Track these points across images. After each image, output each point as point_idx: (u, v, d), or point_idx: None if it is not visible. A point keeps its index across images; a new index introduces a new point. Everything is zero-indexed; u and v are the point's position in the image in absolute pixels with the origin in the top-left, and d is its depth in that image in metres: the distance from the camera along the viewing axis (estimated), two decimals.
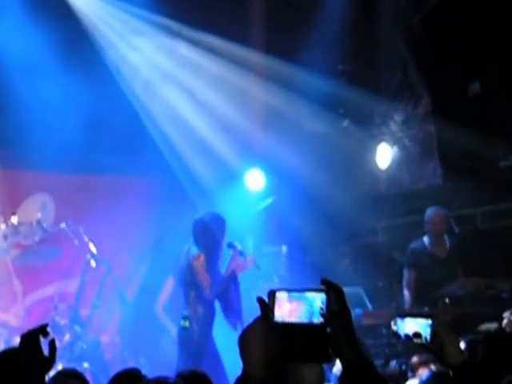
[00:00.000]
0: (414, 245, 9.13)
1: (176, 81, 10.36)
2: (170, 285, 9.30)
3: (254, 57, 9.73)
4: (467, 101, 10.15)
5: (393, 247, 10.93)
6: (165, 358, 9.01)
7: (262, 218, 10.63)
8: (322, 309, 2.48)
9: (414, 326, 3.62)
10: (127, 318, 9.89)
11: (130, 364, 8.64)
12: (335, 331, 2.45)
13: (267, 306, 2.50)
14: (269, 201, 10.84)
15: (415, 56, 10.79)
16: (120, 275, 9.47)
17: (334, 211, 10.70)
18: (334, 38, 10.56)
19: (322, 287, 2.50)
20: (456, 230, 9.75)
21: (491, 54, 9.76)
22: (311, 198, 10.57)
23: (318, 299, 2.50)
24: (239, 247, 8.07)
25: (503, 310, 7.81)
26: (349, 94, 10.73)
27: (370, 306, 9.26)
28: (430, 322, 3.52)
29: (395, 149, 11.04)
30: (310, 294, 2.53)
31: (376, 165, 11.15)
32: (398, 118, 11.14)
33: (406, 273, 9.01)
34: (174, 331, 8.49)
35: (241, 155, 10.41)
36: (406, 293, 8.95)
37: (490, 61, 9.79)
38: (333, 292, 2.48)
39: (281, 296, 2.55)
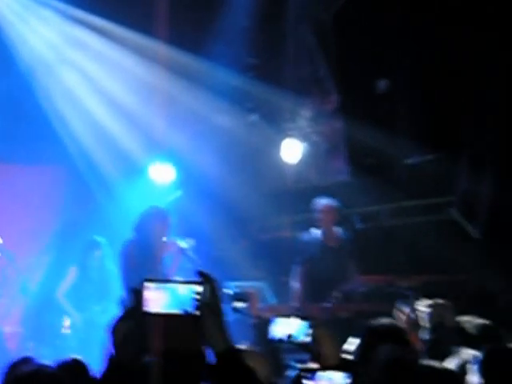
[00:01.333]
0: (305, 236, 9.12)
1: (80, 71, 10.18)
2: (72, 273, 9.28)
3: (160, 48, 9.58)
4: (374, 98, 10.21)
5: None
6: (66, 345, 8.92)
7: (168, 212, 10.51)
8: (195, 300, 2.58)
9: (291, 326, 3.60)
10: (30, 308, 9.81)
11: (32, 354, 8.48)
12: (207, 321, 2.55)
13: (139, 297, 2.59)
14: (176, 194, 10.74)
15: (324, 52, 10.80)
16: (24, 266, 9.40)
17: (240, 205, 10.68)
18: (242, 32, 10.52)
19: (200, 279, 2.63)
20: (357, 225, 9.81)
21: (399, 52, 9.83)
22: (218, 192, 10.51)
23: (190, 290, 2.60)
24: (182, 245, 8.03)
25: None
26: (257, 88, 10.71)
27: (272, 301, 9.24)
28: (307, 323, 3.51)
29: (303, 144, 11.05)
30: (183, 286, 2.63)
31: (284, 160, 11.15)
32: (306, 113, 11.13)
33: (297, 268, 8.96)
34: (76, 317, 8.77)
35: (145, 148, 10.29)
36: (295, 285, 8.90)
37: (398, 59, 9.86)
38: (208, 284, 2.61)
39: (149, 286, 2.62)
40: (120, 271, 7.80)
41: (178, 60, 10.00)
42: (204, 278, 2.61)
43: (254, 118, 10.98)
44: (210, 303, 2.58)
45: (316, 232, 9.03)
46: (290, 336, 3.59)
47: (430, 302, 6.43)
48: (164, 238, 7.89)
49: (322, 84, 10.97)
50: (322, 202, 9.04)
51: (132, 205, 8.92)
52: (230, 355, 2.55)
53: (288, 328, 3.62)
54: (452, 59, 9.18)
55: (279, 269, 10.69)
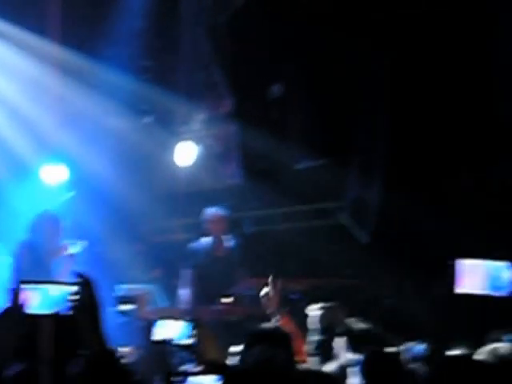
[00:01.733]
0: (193, 244, 9.14)
1: None
2: None
3: (52, 49, 9.48)
4: (267, 103, 10.32)
5: None
6: None
7: (60, 213, 10.38)
8: (69, 300, 2.63)
9: (174, 328, 3.63)
10: None
11: None
12: (82, 321, 2.60)
13: (16, 297, 2.65)
14: (67, 196, 10.61)
15: (219, 56, 10.85)
16: None
17: (133, 208, 10.63)
18: (137, 33, 10.48)
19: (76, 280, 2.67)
20: (248, 229, 9.90)
21: (291, 58, 9.96)
22: (110, 194, 10.43)
23: (64, 291, 2.65)
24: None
25: (292, 310, 7.99)
26: (151, 90, 10.68)
27: (163, 304, 9.23)
28: (190, 324, 3.55)
29: (197, 147, 11.06)
30: (55, 287, 2.68)
31: (177, 163, 11.14)
32: (200, 116, 11.16)
33: (186, 272, 8.97)
34: None
35: (37, 149, 10.12)
36: (183, 292, 8.90)
37: (290, 65, 9.98)
38: (84, 285, 2.65)
39: (25, 287, 2.71)
40: (12, 272, 7.74)
41: (70, 61, 9.88)
42: (80, 279, 2.64)
43: (147, 120, 10.93)
44: (86, 304, 2.61)
45: (205, 240, 9.05)
46: (172, 338, 3.62)
47: (319, 305, 6.54)
48: (57, 242, 7.89)
49: (216, 88, 11.01)
50: (211, 211, 9.05)
51: (22, 207, 8.78)
52: (104, 356, 2.57)
53: (170, 330, 3.64)
54: (342, 67, 9.36)
55: (171, 272, 10.69)
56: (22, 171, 10.14)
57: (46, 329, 2.62)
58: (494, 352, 4.11)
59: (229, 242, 9.07)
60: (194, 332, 3.56)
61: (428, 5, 8.86)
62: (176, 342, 3.62)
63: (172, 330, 3.64)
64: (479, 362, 2.23)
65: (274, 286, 6.25)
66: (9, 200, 9.05)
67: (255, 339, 3.34)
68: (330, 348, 5.94)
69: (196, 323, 3.58)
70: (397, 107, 8.97)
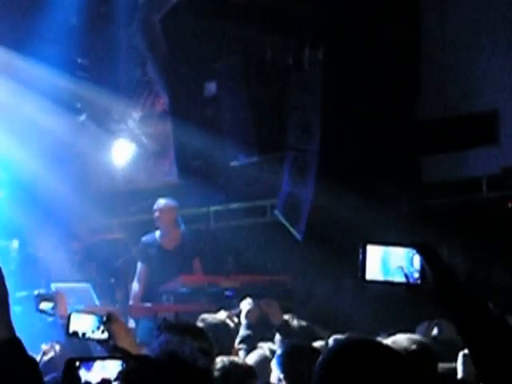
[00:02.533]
0: (145, 238, 9.10)
1: None
2: None
3: None
4: (202, 101, 10.32)
5: (128, 243, 10.92)
6: None
7: None
8: None
9: (87, 321, 3.63)
10: None
11: None
12: None
13: None
14: (0, 194, 10.53)
15: (154, 54, 10.82)
16: None
17: (68, 207, 10.58)
18: (71, 31, 10.39)
19: None
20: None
21: (225, 54, 9.99)
22: (44, 194, 10.35)
23: None
24: None
25: (226, 308, 8.01)
26: (86, 88, 10.59)
27: (97, 303, 9.19)
28: (99, 318, 3.55)
29: (133, 146, 11.04)
30: None
31: (113, 161, 11.10)
32: (136, 114, 11.13)
33: (138, 266, 8.96)
34: None
35: None
36: (134, 286, 8.89)
37: (224, 62, 10.01)
38: None
39: None
40: None
41: (3, 59, 9.76)
42: None
43: (82, 119, 10.85)
44: None
45: (156, 233, 9.03)
46: (85, 332, 3.62)
47: (250, 300, 6.61)
48: None
49: (152, 86, 10.99)
50: (160, 202, 8.99)
51: None
52: (13, 344, 2.54)
53: (84, 324, 3.64)
54: (275, 63, 9.42)
55: (107, 270, 10.66)
56: None
57: None
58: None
59: (179, 233, 9.03)
60: (107, 326, 3.55)
61: None
62: (89, 335, 3.61)
63: (85, 324, 3.63)
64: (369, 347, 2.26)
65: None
66: None
67: (164, 329, 3.35)
68: (255, 342, 6.01)
69: (108, 317, 3.57)
70: (329, 103, 9.04)
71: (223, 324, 6.05)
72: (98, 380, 2.92)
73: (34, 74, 9.97)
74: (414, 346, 4.25)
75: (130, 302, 8.87)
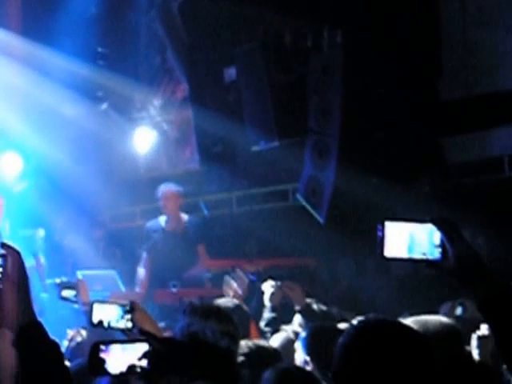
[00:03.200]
0: (149, 223, 9.15)
1: None
2: None
3: (4, 37, 9.42)
4: (222, 87, 10.33)
5: None
6: None
7: (17, 202, 10.37)
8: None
9: (111, 311, 3.66)
10: None
11: None
12: (6, 294, 2.54)
13: None
14: (25, 184, 10.60)
15: (173, 41, 10.85)
16: None
17: (91, 195, 10.64)
18: (91, 20, 10.45)
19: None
20: (205, 212, 9.95)
21: (245, 40, 9.99)
22: (68, 183, 10.41)
23: None
24: None
25: (251, 292, 8.05)
26: (107, 77, 10.66)
27: (123, 289, 9.26)
28: (123, 308, 3.58)
29: (154, 133, 11.08)
30: None
31: (135, 149, 11.16)
32: (156, 102, 11.17)
33: (143, 252, 8.99)
34: None
35: None
36: (140, 272, 8.92)
37: (244, 47, 10.00)
38: (9, 256, 2.56)
39: None
40: None
41: (23, 49, 9.84)
42: (5, 250, 2.57)
43: (103, 107, 10.91)
44: (12, 276, 2.55)
45: (161, 219, 9.07)
46: (109, 321, 3.65)
47: (273, 282, 6.63)
48: None
49: (172, 73, 11.03)
50: (164, 187, 9.03)
51: None
52: (34, 328, 2.55)
53: (107, 313, 3.67)
54: (294, 46, 9.42)
55: (132, 257, 10.71)
56: None
57: None
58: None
59: (184, 219, 9.05)
60: (130, 315, 3.59)
61: None
62: (113, 324, 3.65)
63: (109, 313, 3.67)
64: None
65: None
66: None
67: (189, 312, 3.38)
68: (280, 324, 6.05)
69: (132, 306, 3.61)
70: (349, 86, 9.03)
71: (239, 308, 6.10)
72: (123, 363, 2.96)
73: (55, 64, 10.03)
74: (439, 327, 4.18)
75: (137, 289, 8.88)
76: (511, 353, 2.39)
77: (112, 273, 9.37)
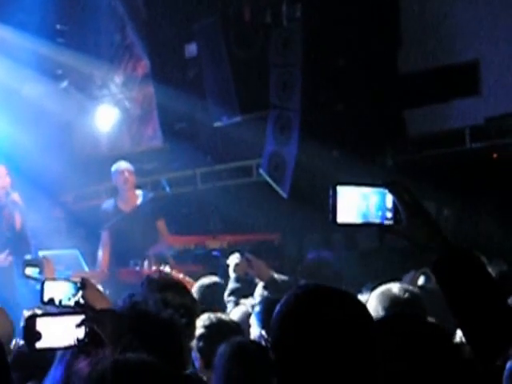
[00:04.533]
0: (104, 204, 9.05)
1: None
2: None
3: None
4: (184, 63, 10.26)
5: None
6: None
7: None
8: None
9: (61, 288, 3.62)
10: None
11: None
12: None
13: None
14: None
15: (133, 17, 10.75)
16: None
17: (53, 175, 10.53)
18: None
19: None
20: (167, 189, 9.90)
21: (205, 15, 9.92)
22: (29, 163, 10.30)
23: None
24: None
25: (214, 268, 8.04)
26: (67, 54, 10.54)
27: (86, 268, 9.21)
28: (74, 285, 3.54)
29: (116, 111, 10.99)
30: None
31: (97, 127, 11.06)
32: (117, 79, 11.08)
33: (102, 232, 8.93)
34: None
35: None
36: (99, 253, 8.86)
37: (204, 23, 9.93)
38: None
39: None
40: None
41: None
42: None
43: (64, 85, 10.79)
44: None
45: (116, 198, 8.97)
46: (60, 299, 3.61)
47: (238, 254, 6.64)
48: None
49: (132, 49, 10.93)
50: (115, 166, 8.89)
51: None
52: None
53: (57, 292, 3.63)
54: (254, 21, 9.36)
55: (97, 237, 10.64)
56: None
57: None
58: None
59: (139, 196, 8.95)
60: (81, 292, 3.55)
61: None
62: (65, 302, 3.60)
63: (60, 291, 3.62)
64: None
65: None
66: None
67: (146, 285, 3.37)
68: (242, 296, 6.06)
69: (83, 283, 3.57)
70: (309, 60, 8.98)
71: (216, 284, 6.10)
72: (60, 336, 2.94)
73: (13, 43, 9.89)
74: (406, 295, 4.14)
75: (99, 269, 8.80)
76: (461, 314, 2.38)
77: (75, 252, 9.31)
